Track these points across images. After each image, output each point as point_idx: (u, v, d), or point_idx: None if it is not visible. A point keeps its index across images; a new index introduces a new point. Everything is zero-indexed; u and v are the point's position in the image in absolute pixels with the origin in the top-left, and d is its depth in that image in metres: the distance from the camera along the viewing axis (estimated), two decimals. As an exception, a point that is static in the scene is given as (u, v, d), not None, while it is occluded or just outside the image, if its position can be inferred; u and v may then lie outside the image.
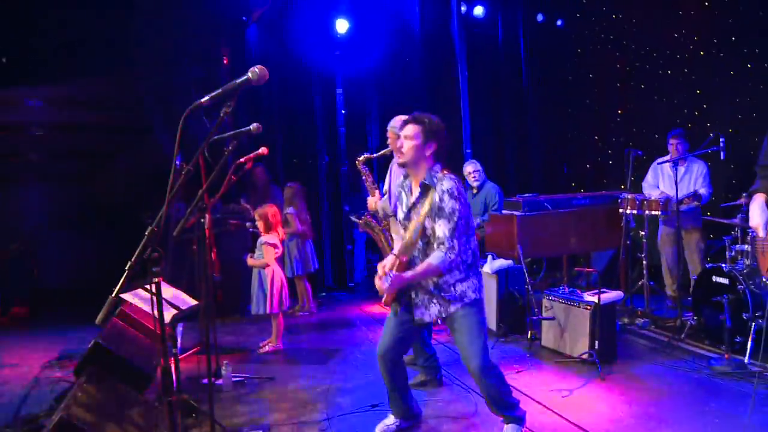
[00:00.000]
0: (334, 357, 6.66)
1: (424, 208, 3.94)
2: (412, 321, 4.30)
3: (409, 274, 4.02)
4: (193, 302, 5.17)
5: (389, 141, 5.42)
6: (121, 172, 9.91)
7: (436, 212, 3.99)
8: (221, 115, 2.71)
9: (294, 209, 8.62)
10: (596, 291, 5.82)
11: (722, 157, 6.32)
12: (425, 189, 4.09)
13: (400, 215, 4.33)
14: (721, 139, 6.29)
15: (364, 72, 10.50)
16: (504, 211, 7.52)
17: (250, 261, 6.91)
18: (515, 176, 11.22)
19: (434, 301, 4.19)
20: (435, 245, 4.03)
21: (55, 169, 10.55)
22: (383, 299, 4.13)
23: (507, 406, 4.33)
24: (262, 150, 5.93)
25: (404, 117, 5.25)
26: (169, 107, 8.82)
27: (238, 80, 2.67)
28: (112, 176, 10.00)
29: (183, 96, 8.87)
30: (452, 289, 4.15)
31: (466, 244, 4.13)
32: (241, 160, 5.80)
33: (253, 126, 4.32)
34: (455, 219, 3.98)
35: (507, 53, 11.19)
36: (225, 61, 9.74)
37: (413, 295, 4.23)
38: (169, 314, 4.61)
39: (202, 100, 2.63)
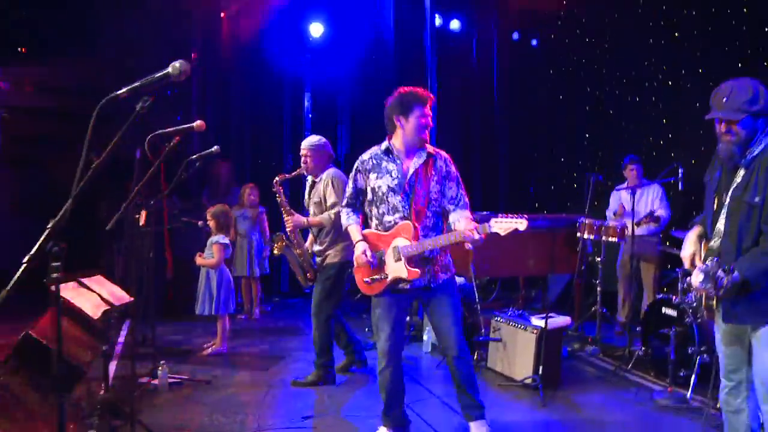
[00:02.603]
0: (277, 364, 6.54)
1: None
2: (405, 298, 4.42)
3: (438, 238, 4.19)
4: (129, 299, 5.02)
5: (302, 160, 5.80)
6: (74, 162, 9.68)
7: (444, 176, 4.32)
8: (137, 109, 2.57)
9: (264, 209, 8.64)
10: (544, 315, 5.74)
11: (680, 188, 6.33)
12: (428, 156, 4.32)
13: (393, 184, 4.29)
14: (680, 170, 6.30)
15: (336, 78, 10.43)
16: (461, 228, 7.42)
17: (198, 260, 6.77)
18: (481, 193, 11.16)
19: (428, 267, 4.26)
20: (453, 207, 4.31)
21: (16, 153, 10.32)
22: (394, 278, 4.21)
23: (477, 392, 4.44)
24: (215, 148, 5.82)
25: (316, 137, 5.88)
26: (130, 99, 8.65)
27: (158, 74, 2.54)
28: (74, 164, 9.75)
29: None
30: (445, 257, 4.36)
31: None
32: (193, 157, 5.68)
33: (196, 123, 4.20)
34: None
35: (480, 68, 11.17)
36: (193, 56, 9.59)
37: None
38: (99, 310, 4.47)
39: (119, 92, 2.50)
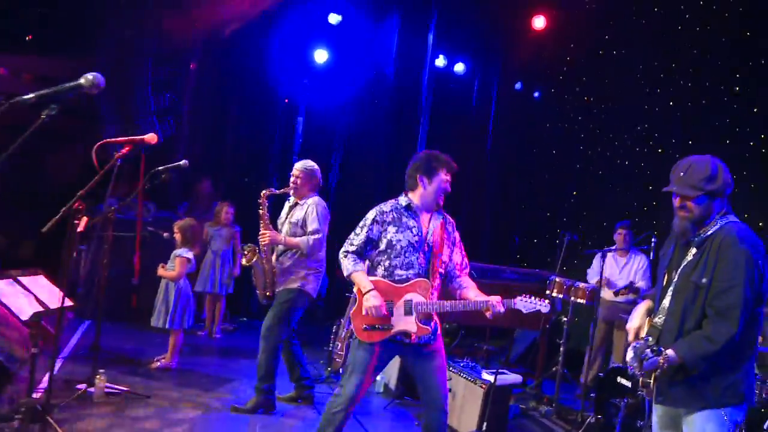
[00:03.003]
0: (223, 386, 6.39)
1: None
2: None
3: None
4: (69, 304, 4.91)
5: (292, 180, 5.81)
6: (63, 158, 9.64)
7: (453, 241, 4.47)
8: (42, 117, 2.49)
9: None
10: (494, 370, 5.62)
11: (651, 257, 6.28)
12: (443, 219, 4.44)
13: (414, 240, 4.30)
14: (653, 240, 6.24)
15: (332, 106, 10.38)
16: (430, 273, 7.32)
17: (160, 271, 6.67)
18: (465, 239, 11.02)
19: (434, 323, 4.30)
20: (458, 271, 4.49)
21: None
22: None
23: None
24: (183, 162, 5.80)
25: (310, 162, 5.86)
26: (122, 101, 8.66)
27: (69, 84, 2.47)
28: (56, 160, 9.74)
29: (139, 93, 8.68)
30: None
31: None
32: (159, 169, 5.64)
33: (147, 136, 4.14)
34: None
35: (478, 113, 11.14)
36: (192, 66, 9.58)
37: None
38: (31, 310, 4.37)
39: (26, 97, 2.42)
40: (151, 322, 6.64)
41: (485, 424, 5.48)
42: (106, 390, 5.51)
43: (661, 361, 3.26)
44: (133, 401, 5.56)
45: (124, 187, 8.44)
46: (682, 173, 3.43)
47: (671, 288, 3.52)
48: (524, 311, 4.27)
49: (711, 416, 3.31)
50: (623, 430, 5.40)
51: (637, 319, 3.75)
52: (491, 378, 5.58)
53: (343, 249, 4.34)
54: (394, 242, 4.26)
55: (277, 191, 5.99)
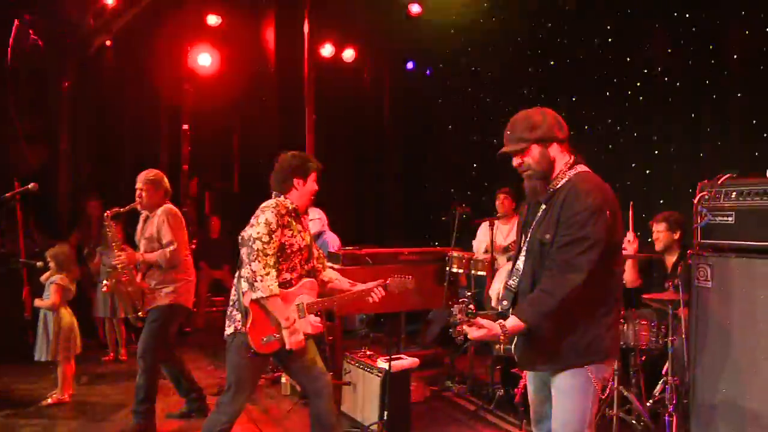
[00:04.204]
0: (119, 412, 6.04)
1: None
2: None
3: None
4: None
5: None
6: None
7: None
8: None
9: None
10: (389, 357, 5.43)
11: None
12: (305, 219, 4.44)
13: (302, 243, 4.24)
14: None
15: (219, 108, 10.08)
16: (327, 264, 7.10)
17: (37, 302, 6.32)
18: (375, 225, 10.94)
19: None
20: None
21: None
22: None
23: None
24: (32, 186, 5.49)
25: (153, 171, 5.60)
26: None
27: None
28: None
29: (3, 121, 8.26)
30: None
31: None
32: (6, 195, 5.32)
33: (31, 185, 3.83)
34: None
35: (373, 97, 11.00)
36: (66, 84, 9.15)
37: None
38: None
39: None
40: (34, 356, 6.28)
41: (386, 413, 5.30)
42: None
43: (502, 336, 3.11)
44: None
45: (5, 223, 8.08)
46: (508, 132, 3.29)
47: (524, 248, 3.38)
48: (397, 292, 4.30)
49: (575, 375, 3.17)
50: (524, 400, 5.30)
51: (497, 283, 3.61)
52: (386, 365, 5.38)
53: (256, 267, 3.87)
54: (286, 246, 4.10)
55: (122, 209, 5.65)
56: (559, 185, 3.22)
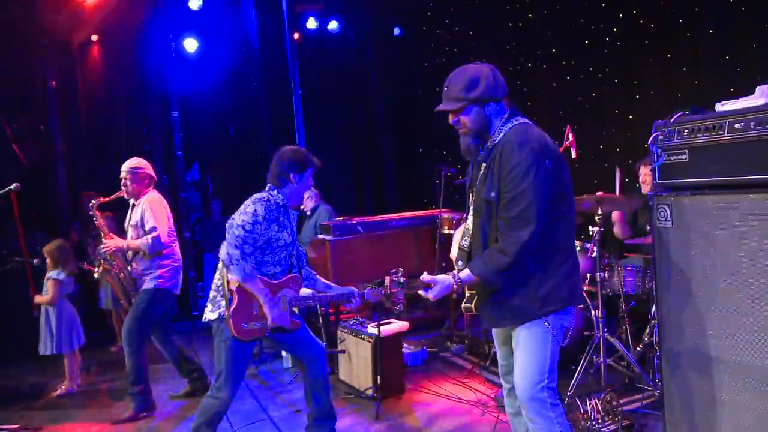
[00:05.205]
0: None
1: None
2: None
3: None
4: None
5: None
6: None
7: None
8: None
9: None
10: (377, 323, 5.50)
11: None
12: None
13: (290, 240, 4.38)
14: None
15: (208, 91, 10.09)
16: (319, 236, 7.19)
17: (37, 298, 6.46)
18: (373, 195, 10.97)
19: None
20: None
21: None
22: None
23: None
24: (14, 186, 5.59)
25: (135, 160, 5.65)
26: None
27: None
28: None
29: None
30: None
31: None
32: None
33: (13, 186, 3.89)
34: None
35: (358, 67, 10.96)
36: (53, 84, 9.21)
37: None
38: None
39: None
40: (39, 351, 6.43)
41: (379, 377, 5.38)
42: (-8, 432, 5.33)
43: (455, 286, 3.18)
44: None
45: (4, 224, 8.20)
46: (445, 88, 3.28)
47: (471, 208, 3.41)
48: (372, 301, 4.26)
49: (533, 327, 3.22)
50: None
51: (455, 246, 3.64)
52: (376, 330, 5.46)
53: (234, 248, 3.97)
54: (272, 240, 4.18)
55: (107, 198, 5.75)
56: (497, 140, 3.22)
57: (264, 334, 4.19)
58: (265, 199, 4.18)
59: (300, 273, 4.40)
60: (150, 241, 5.41)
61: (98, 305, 8.16)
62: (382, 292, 3.32)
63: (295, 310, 4.31)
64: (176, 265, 5.67)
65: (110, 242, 5.52)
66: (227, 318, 4.05)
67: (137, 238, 5.52)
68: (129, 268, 5.61)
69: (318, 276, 4.56)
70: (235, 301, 4.05)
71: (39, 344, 6.41)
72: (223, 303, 4.12)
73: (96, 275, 5.78)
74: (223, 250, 3.99)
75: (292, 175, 4.25)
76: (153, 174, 5.77)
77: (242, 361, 4.25)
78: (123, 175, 5.63)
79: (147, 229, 5.46)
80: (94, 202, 5.68)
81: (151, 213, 5.47)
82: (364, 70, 11.01)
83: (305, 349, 4.46)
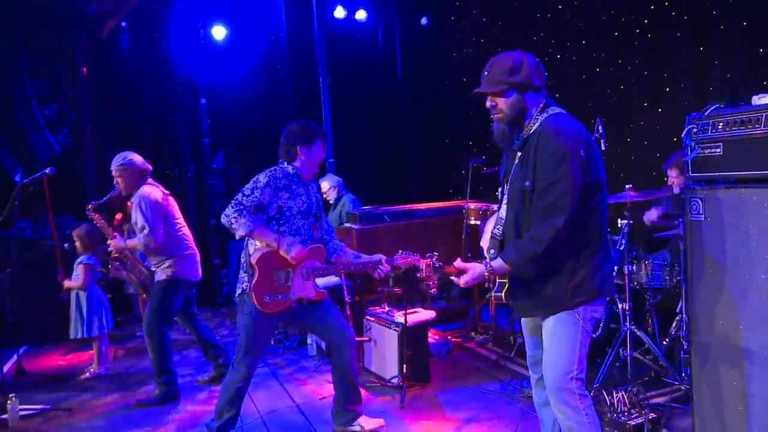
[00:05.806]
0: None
1: None
2: None
3: None
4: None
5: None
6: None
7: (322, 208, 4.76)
8: None
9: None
10: (405, 311, 5.52)
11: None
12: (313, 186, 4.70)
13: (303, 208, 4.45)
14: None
15: (236, 80, 10.13)
16: (345, 224, 7.23)
17: (66, 283, 6.56)
18: (397, 185, 10.98)
19: None
20: None
21: None
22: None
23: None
24: (48, 171, 5.67)
25: (121, 155, 5.62)
26: (5, 120, 8.44)
27: None
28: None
29: (22, 109, 8.43)
30: None
31: None
32: (25, 181, 5.50)
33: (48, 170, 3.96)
34: None
35: (385, 57, 10.95)
36: (84, 71, 9.29)
37: None
38: None
39: None
40: (69, 335, 6.53)
41: (405, 366, 5.41)
42: (21, 413, 5.41)
43: (486, 273, 3.19)
44: (52, 418, 5.46)
45: (36, 208, 8.32)
46: (486, 72, 3.28)
47: (506, 197, 3.41)
48: (403, 267, 4.32)
49: (563, 317, 3.22)
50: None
51: (487, 235, 3.65)
52: (402, 319, 5.49)
53: (232, 210, 4.13)
54: (285, 209, 4.28)
55: (101, 201, 5.81)
56: (532, 130, 3.22)
57: (289, 306, 4.26)
58: (271, 169, 4.33)
59: (324, 246, 4.47)
60: (143, 239, 5.42)
61: (125, 289, 8.27)
62: (418, 276, 3.35)
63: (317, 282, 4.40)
64: (187, 253, 5.68)
65: (113, 243, 5.61)
66: (249, 291, 4.16)
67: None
68: (144, 262, 5.70)
69: (347, 248, 4.64)
70: (257, 275, 4.16)
71: (69, 328, 6.51)
72: (246, 278, 4.23)
73: (111, 274, 5.86)
74: (222, 218, 4.16)
75: (299, 147, 4.38)
76: (145, 165, 5.69)
77: (262, 334, 4.32)
78: (114, 174, 5.60)
79: (138, 227, 5.48)
80: (90, 206, 5.72)
81: (140, 211, 5.45)
82: (391, 60, 11.01)
83: (336, 335, 4.51)
